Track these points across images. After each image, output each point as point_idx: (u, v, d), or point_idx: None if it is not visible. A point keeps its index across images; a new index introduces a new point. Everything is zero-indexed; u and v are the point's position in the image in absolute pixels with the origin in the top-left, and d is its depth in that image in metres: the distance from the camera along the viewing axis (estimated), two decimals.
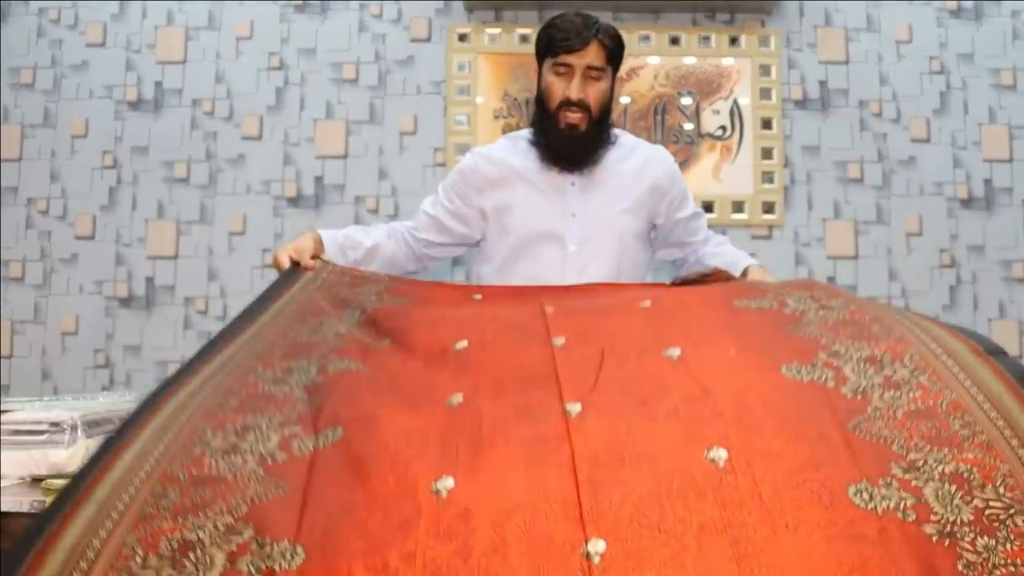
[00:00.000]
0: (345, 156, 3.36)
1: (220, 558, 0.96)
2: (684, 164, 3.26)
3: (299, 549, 0.96)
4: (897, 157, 3.37)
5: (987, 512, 0.98)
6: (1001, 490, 1.01)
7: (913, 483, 1.01)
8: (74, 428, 1.50)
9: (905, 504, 0.99)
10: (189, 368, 1.33)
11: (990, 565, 0.94)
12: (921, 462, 1.04)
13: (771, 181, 3.34)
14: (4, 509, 1.37)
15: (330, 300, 1.64)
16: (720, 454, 1.02)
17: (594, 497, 0.97)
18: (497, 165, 2.20)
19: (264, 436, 1.15)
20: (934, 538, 0.96)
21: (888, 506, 0.99)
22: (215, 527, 1.00)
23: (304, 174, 3.35)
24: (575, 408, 1.11)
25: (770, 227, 3.33)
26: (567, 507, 0.97)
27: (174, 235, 3.32)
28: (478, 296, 1.70)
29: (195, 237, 3.32)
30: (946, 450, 1.05)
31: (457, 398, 1.19)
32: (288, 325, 1.50)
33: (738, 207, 3.33)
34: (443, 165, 3.33)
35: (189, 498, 1.04)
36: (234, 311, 3.25)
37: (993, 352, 1.24)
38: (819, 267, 3.32)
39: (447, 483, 1.02)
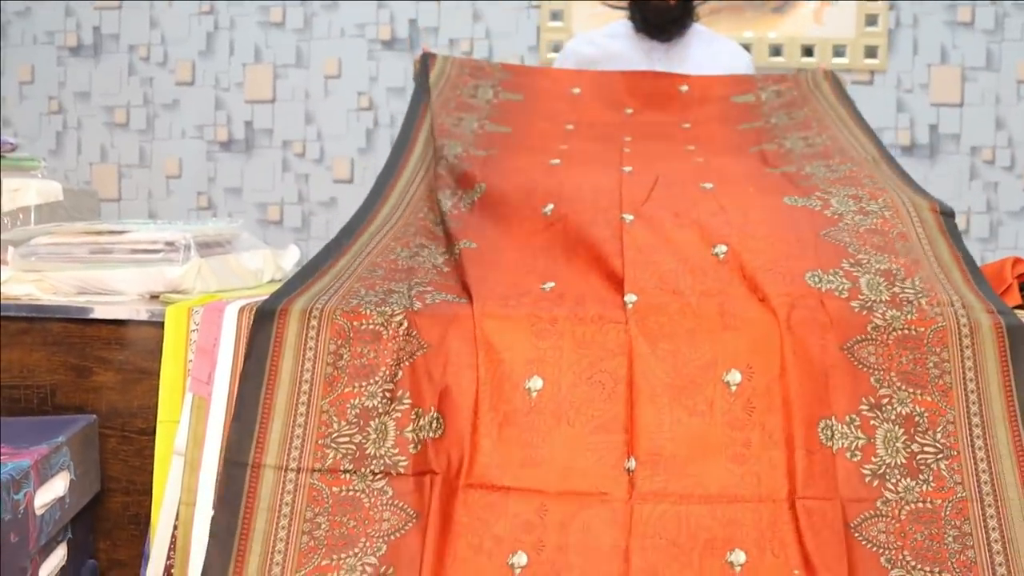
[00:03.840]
0: None
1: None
2: (783, 8, 3.16)
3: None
4: None
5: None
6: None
7: (854, 272, 1.38)
8: (187, 248, 1.56)
9: (843, 287, 1.35)
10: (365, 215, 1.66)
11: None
12: (865, 261, 1.40)
13: (875, 24, 3.22)
14: (124, 317, 1.46)
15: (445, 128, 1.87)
16: (722, 248, 1.40)
17: (633, 273, 1.37)
18: (595, 45, 2.43)
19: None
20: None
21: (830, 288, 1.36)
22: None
23: (398, 17, 3.33)
24: (629, 217, 1.46)
25: (872, 72, 3.23)
26: (614, 279, 1.37)
27: (271, 79, 3.36)
28: (576, 90, 2.05)
29: (291, 81, 3.36)
30: (885, 256, 1.41)
31: (549, 207, 1.53)
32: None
33: (839, 51, 3.23)
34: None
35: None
36: (331, 154, 3.33)
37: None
38: (921, 115, 3.22)
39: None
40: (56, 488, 1.24)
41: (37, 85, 3.47)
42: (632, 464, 1.23)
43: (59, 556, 1.30)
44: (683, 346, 1.29)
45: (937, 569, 1.17)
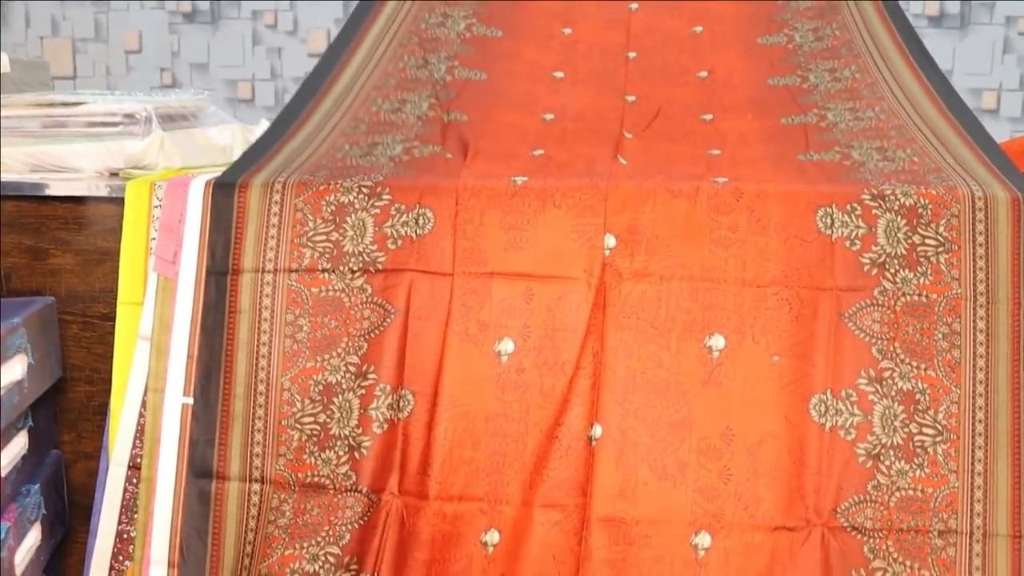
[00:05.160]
0: None
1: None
2: None
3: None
4: None
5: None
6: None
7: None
8: (148, 120, 1.47)
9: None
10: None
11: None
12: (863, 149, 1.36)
13: None
14: (82, 194, 1.37)
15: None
16: (715, 152, 1.38)
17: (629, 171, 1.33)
18: None
19: (390, 146, 1.40)
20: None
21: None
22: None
23: None
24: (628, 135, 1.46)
25: None
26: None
27: None
28: (567, 31, 1.75)
29: None
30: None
31: (549, 115, 1.51)
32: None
33: None
34: None
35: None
36: (305, 26, 3.17)
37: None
38: None
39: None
40: (14, 371, 1.18)
41: None
42: (612, 242, 1.21)
43: (19, 444, 1.24)
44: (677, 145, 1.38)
45: (924, 365, 1.17)
